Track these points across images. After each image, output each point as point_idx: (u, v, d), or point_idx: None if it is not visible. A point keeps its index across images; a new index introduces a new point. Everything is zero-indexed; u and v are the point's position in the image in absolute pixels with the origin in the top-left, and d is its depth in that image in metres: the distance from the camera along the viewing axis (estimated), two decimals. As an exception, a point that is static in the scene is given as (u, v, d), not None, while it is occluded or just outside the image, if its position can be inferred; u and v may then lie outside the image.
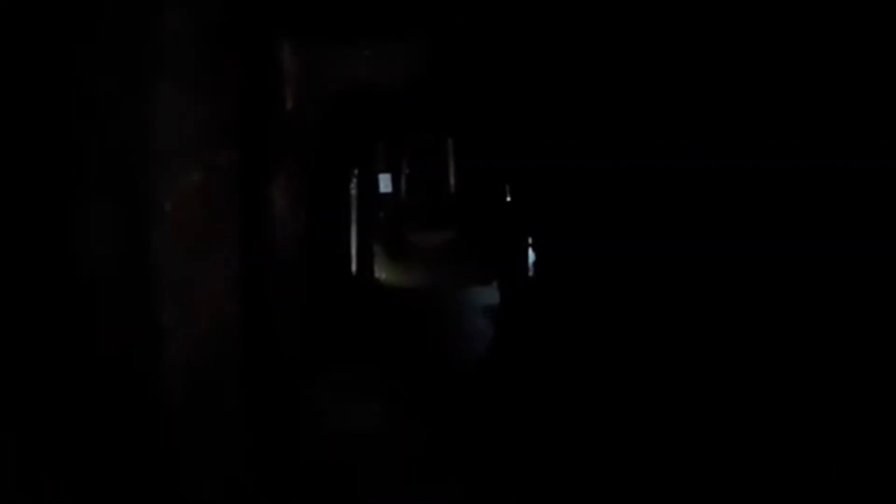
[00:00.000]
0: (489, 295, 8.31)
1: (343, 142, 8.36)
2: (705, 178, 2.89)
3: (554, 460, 3.70)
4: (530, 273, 7.46)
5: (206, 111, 2.43)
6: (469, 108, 9.39)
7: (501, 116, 8.14)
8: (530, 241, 7.48)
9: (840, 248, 2.04)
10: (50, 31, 1.99)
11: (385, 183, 11.14)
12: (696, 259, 3.00)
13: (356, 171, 9.06)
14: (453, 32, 6.35)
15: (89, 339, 2.05)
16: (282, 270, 4.68)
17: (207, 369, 2.42)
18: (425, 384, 4.79)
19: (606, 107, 4.79)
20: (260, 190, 4.14)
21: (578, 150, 6.37)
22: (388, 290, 8.69)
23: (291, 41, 5.90)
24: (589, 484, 3.38)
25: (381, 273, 9.60)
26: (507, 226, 8.50)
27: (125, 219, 2.10)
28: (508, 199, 8.21)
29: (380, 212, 11.31)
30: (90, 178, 2.07)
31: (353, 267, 8.74)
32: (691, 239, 3.01)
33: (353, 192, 8.90)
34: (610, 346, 4.99)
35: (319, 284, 7.25)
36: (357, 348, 5.68)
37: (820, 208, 2.15)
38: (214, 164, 2.50)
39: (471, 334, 6.45)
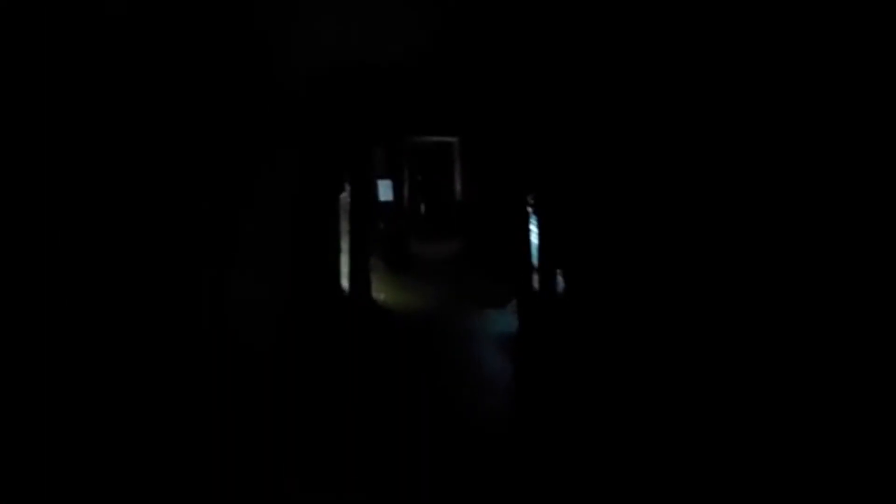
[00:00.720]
0: (504, 321, 7.07)
1: (335, 142, 7.17)
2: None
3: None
4: (556, 294, 6.22)
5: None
6: (479, 101, 8.20)
7: (515, 110, 6.96)
8: (555, 255, 6.24)
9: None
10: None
11: (385, 190, 9.93)
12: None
13: (351, 177, 7.86)
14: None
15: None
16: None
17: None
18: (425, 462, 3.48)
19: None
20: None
21: (613, 147, 5.13)
22: (384, 315, 7.43)
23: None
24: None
25: (379, 294, 8.33)
26: (523, 238, 7.29)
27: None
28: (527, 206, 7.00)
29: (379, 222, 10.09)
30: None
31: (345, 286, 7.54)
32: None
33: (347, 199, 7.69)
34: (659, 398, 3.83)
35: (301, 306, 6.03)
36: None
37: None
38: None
39: (483, 376, 5.20)
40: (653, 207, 4.46)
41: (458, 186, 16.21)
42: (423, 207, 19.27)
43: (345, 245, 7.57)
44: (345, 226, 7.70)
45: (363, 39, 5.22)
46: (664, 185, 4.45)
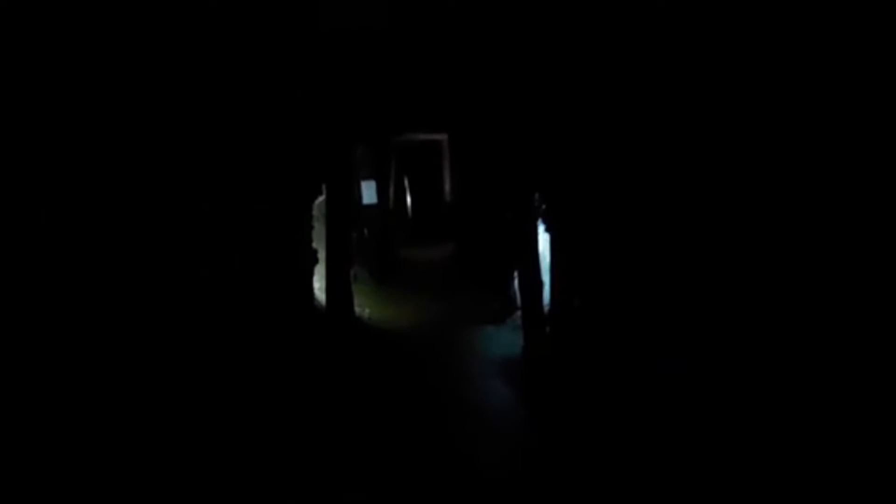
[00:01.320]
0: (506, 340, 6.15)
1: (309, 139, 6.20)
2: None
3: None
4: (573, 314, 5.31)
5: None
6: (472, 91, 7.29)
7: (519, 96, 6.04)
8: (574, 267, 5.32)
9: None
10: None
11: (369, 192, 8.95)
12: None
13: (328, 178, 6.89)
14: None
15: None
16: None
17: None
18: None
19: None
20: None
21: (645, 135, 4.22)
22: (367, 336, 6.47)
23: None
24: None
25: (364, 309, 7.37)
26: (527, 245, 6.36)
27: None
28: (533, 207, 6.08)
29: (363, 228, 9.11)
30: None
31: (322, 300, 6.57)
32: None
33: (323, 203, 6.72)
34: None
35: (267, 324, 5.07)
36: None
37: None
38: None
39: (481, 411, 4.26)
40: (699, 208, 3.55)
41: (447, 187, 15.27)
42: (410, 209, 18.32)
43: (323, 254, 6.60)
44: (323, 232, 6.75)
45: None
46: (708, 181, 3.56)
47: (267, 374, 4.34)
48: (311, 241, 6.10)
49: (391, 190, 11.19)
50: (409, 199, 18.05)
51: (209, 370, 3.79)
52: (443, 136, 13.79)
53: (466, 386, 4.85)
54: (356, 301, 7.47)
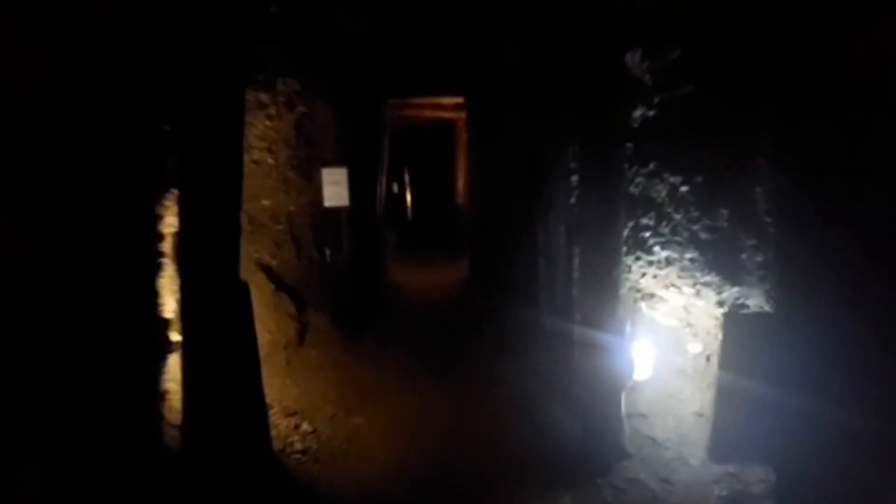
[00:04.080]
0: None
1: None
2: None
3: None
4: None
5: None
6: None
7: None
8: None
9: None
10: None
11: (335, 189, 5.16)
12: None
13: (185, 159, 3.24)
14: None
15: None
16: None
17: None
18: None
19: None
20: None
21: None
22: None
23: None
24: None
25: (305, 436, 3.67)
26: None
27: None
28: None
29: (324, 248, 5.39)
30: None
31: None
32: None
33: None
34: None
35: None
36: None
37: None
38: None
39: None
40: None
41: (460, 183, 11.53)
42: (409, 212, 14.58)
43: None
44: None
45: None
46: None
47: None
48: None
49: (381, 184, 7.45)
50: (409, 199, 14.34)
51: None
52: (457, 115, 10.08)
53: None
54: (299, 400, 3.77)
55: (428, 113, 9.99)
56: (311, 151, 5.32)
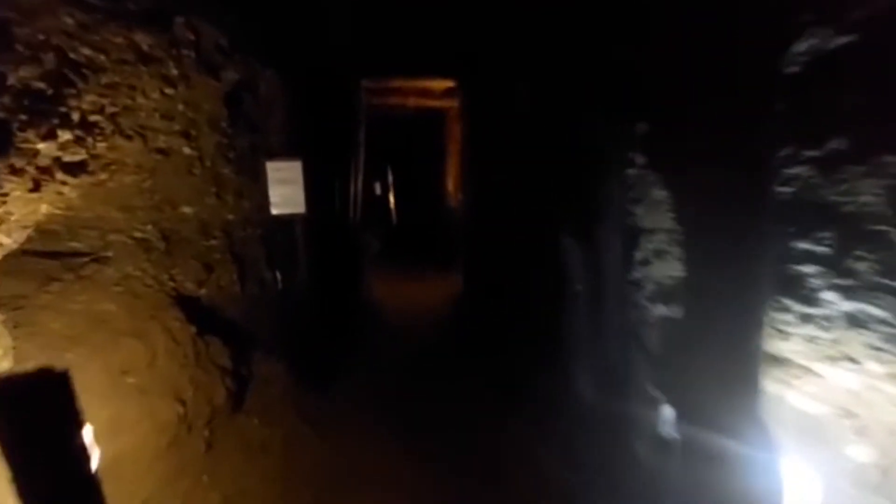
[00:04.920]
0: None
1: None
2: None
3: None
4: None
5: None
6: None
7: None
8: None
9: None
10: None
11: (289, 188, 3.76)
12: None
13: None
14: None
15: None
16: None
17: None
18: None
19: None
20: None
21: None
22: None
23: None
24: None
25: None
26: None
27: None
28: None
29: (273, 269, 3.99)
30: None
31: None
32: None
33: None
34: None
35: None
36: None
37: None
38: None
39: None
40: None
41: (450, 182, 10.12)
42: (394, 215, 13.10)
43: None
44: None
45: None
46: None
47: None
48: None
49: (356, 184, 6.04)
50: (392, 201, 12.86)
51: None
52: (447, 103, 8.71)
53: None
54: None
55: (413, 101, 8.60)
56: (257, 139, 3.93)
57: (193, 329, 3.24)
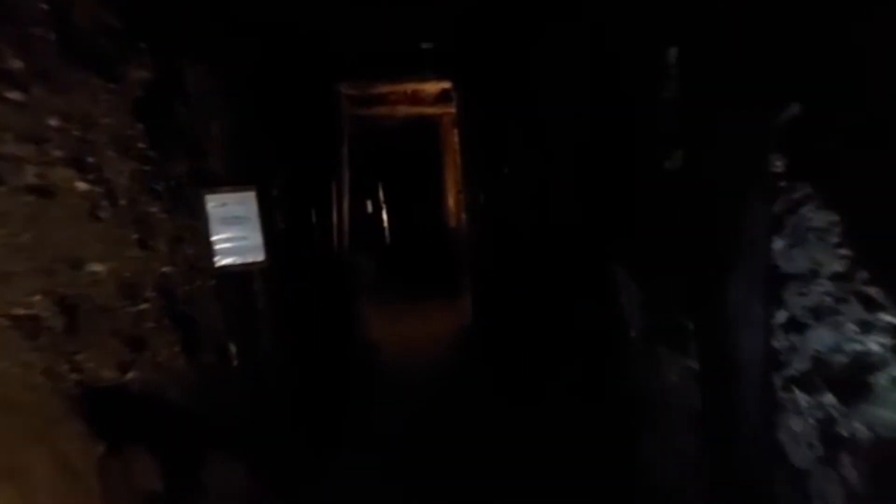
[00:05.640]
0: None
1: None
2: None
3: None
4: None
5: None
6: None
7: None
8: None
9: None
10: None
11: (236, 226, 2.81)
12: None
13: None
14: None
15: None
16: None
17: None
18: None
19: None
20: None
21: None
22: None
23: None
24: None
25: None
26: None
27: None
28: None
29: (226, 340, 2.95)
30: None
31: None
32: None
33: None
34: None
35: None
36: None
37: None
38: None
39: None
40: None
41: (450, 200, 9.10)
42: (387, 234, 12.04)
43: None
44: None
45: None
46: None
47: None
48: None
49: (340, 206, 5.03)
50: (385, 219, 11.80)
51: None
52: (441, 109, 7.73)
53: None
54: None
55: (403, 109, 7.61)
56: (197, 163, 2.92)
57: (101, 448, 2.21)
